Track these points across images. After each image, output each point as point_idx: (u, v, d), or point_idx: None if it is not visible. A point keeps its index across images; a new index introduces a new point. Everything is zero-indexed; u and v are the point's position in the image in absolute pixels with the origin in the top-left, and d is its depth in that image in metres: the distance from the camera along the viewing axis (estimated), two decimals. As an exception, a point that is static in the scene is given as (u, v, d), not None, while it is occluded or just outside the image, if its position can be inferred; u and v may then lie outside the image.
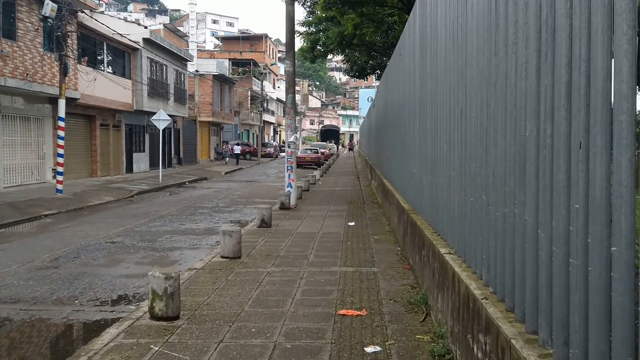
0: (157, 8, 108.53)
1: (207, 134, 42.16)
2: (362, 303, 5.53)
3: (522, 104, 2.74)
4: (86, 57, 22.63)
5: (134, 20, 33.82)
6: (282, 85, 65.72)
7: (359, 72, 26.96)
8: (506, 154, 2.98)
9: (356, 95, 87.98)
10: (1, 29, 16.90)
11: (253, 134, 58.00)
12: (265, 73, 58.06)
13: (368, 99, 41.34)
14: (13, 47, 17.19)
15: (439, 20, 5.12)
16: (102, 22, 22.01)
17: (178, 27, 54.43)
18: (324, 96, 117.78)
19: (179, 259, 8.58)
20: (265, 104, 56.14)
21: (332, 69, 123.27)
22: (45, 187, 18.29)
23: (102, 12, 28.45)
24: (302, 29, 22.82)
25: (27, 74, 17.76)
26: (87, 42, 22.64)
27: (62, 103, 17.24)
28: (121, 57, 26.24)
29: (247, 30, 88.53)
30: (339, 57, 29.33)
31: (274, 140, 67.34)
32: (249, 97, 53.46)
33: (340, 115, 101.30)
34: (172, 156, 33.53)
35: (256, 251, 8.26)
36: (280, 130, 73.00)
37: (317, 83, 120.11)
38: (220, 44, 69.58)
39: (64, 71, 17.47)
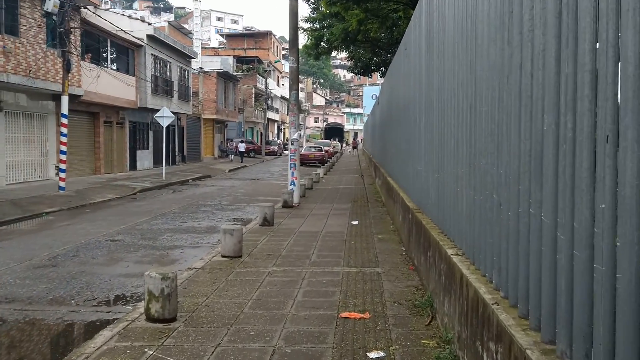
0: (162, 5, 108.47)
1: (211, 131, 42.03)
2: (366, 305, 5.34)
3: (539, 95, 2.54)
4: (89, 54, 22.50)
5: (138, 17, 33.62)
6: (286, 82, 65.48)
7: (363, 69, 26.71)
8: (520, 150, 2.79)
9: (360, 93, 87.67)
10: (4, 25, 16.77)
11: (257, 131, 57.86)
12: (270, 70, 57.84)
13: (372, 97, 41.09)
14: (16, 43, 17.07)
15: (447, 12, 4.92)
16: (105, 19, 21.87)
17: (183, 25, 54.21)
18: (328, 94, 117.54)
19: (179, 258, 8.41)
20: (269, 102, 55.98)
21: (336, 67, 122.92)
22: (48, 185, 18.18)
23: (107, 10, 28.29)
24: (306, 26, 22.59)
25: (30, 71, 17.64)
26: (90, 38, 22.53)
27: (64, 100, 17.12)
28: (125, 54, 26.11)
29: (251, 27, 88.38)
30: (343, 54, 29.09)
31: (278, 138, 67.18)
32: (253, 95, 53.30)
33: (344, 113, 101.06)
34: (176, 154, 33.40)
35: (257, 250, 8.09)
36: (284, 128, 72.82)
37: (322, 81, 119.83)
38: (225, 41, 69.43)
39: (67, 68, 17.36)
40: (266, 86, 52.67)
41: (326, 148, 41.13)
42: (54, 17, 17.27)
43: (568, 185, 2.20)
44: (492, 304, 3.02)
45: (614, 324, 1.83)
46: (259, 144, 50.73)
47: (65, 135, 17.11)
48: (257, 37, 67.20)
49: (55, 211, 13.44)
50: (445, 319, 4.47)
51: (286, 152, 36.83)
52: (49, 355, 4.87)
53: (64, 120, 17.03)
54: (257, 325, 4.71)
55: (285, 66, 62.89)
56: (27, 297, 6.23)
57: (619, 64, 1.79)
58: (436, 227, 5.49)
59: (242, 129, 50.73)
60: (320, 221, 11.22)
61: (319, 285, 6.10)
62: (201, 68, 39.31)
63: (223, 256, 7.48)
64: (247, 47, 61.42)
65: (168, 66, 30.90)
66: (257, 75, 53.67)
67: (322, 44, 22.11)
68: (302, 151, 35.54)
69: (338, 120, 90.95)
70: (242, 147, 38.73)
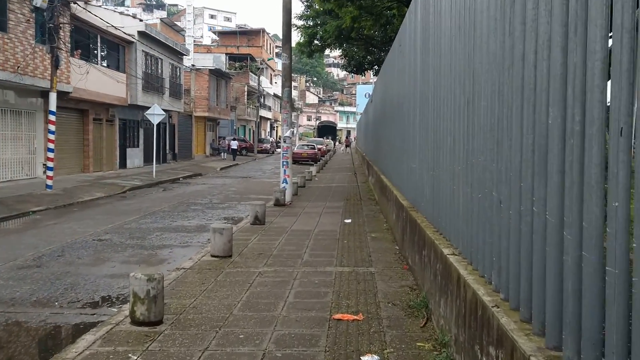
0: (154, 3, 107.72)
1: (202, 129, 41.73)
2: (359, 306, 5.20)
3: (543, 87, 2.40)
4: (79, 50, 22.19)
5: (130, 14, 33.31)
6: (279, 80, 65.22)
7: (356, 67, 26.57)
8: (523, 145, 2.65)
9: (353, 92, 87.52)
10: (-9, 20, 16.48)
11: (250, 129, 57.57)
12: (263, 68, 57.58)
13: (365, 95, 41.00)
14: (4, 39, 16.77)
15: (443, 5, 4.78)
16: (95, 15, 21.57)
17: (175, 22, 53.85)
18: (321, 92, 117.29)
19: (167, 258, 8.23)
20: (262, 100, 55.71)
21: (329, 65, 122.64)
22: (36, 183, 17.89)
23: (99, 6, 27.95)
24: (300, 23, 22.41)
25: (18, 67, 17.34)
26: (80, 34, 22.21)
27: (53, 96, 16.83)
28: (115, 50, 25.80)
29: (244, 25, 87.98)
30: (337, 53, 28.94)
31: (270, 136, 66.93)
32: (246, 93, 53.02)
33: (337, 111, 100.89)
34: (167, 151, 33.10)
35: (248, 250, 7.92)
36: (277, 126, 72.55)
37: (315, 79, 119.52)
38: (218, 38, 69.04)
39: (55, 64, 17.06)
40: (259, 84, 52.39)
41: (319, 146, 40.96)
42: (44, 13, 16.97)
43: (576, 182, 2.06)
44: (492, 307, 2.88)
45: (628, 330, 1.69)
46: (252, 141, 50.47)
47: (53, 132, 16.83)
48: (250, 34, 66.86)
49: (42, 210, 13.19)
50: (441, 320, 4.34)
51: (279, 150, 36.68)
52: None
53: (52, 118, 16.75)
54: (247, 328, 4.55)
55: (278, 64, 62.72)
56: (10, 298, 6.03)
57: (636, 50, 1.65)
58: (431, 225, 5.36)
59: (235, 127, 50.45)
60: (312, 220, 11.06)
61: (311, 286, 5.95)
62: (193, 65, 38.98)
63: (213, 256, 7.31)
64: (240, 44, 61.07)
65: (159, 63, 30.59)
66: (250, 73, 53.38)
67: (316, 41, 21.95)
68: (295, 149, 35.38)
69: (331, 119, 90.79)
70: (234, 144, 38.51)
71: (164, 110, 24.10)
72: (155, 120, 22.65)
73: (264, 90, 56.38)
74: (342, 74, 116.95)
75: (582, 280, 1.99)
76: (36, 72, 18.31)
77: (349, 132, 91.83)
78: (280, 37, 14.74)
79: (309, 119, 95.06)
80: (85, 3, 20.90)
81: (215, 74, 41.89)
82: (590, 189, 1.94)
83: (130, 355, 3.93)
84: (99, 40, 24.03)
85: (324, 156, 39.45)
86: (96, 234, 10.06)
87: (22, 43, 17.71)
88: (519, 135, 2.70)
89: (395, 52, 9.49)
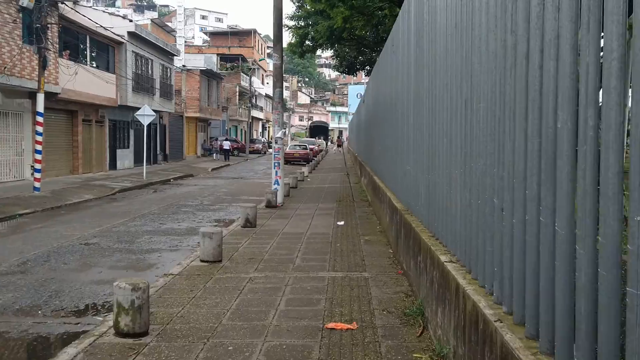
0: (145, 3, 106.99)
1: (194, 129, 41.42)
2: (353, 314, 5.03)
3: (550, 88, 2.24)
4: (68, 51, 21.86)
5: (120, 15, 32.93)
6: (270, 81, 65.07)
7: (348, 67, 26.44)
8: (527, 150, 2.49)
9: (345, 92, 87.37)
10: (-24, 20, 16.16)
11: (241, 130, 57.28)
12: (254, 69, 57.31)
13: (357, 96, 40.90)
14: (-12, 39, 16.46)
15: (438, 3, 4.63)
16: (84, 15, 21.26)
17: (166, 23, 53.42)
18: (313, 92, 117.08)
19: (156, 263, 8.02)
20: (253, 100, 55.43)
21: (321, 65, 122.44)
22: (23, 185, 17.57)
23: (89, 7, 27.56)
24: (291, 23, 22.24)
25: (5, 68, 17.02)
26: (69, 35, 21.88)
27: (40, 98, 16.53)
28: (105, 51, 25.47)
29: (236, 26, 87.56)
30: (329, 53, 28.78)
31: (262, 137, 66.65)
32: (237, 93, 52.72)
33: (329, 111, 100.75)
34: (158, 152, 32.78)
35: (239, 254, 7.73)
36: (268, 127, 72.25)
37: (306, 79, 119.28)
38: (209, 39, 68.65)
39: (43, 65, 16.75)
40: (250, 84, 52.11)
41: (311, 146, 40.78)
42: (31, 13, 16.66)
43: (589, 193, 1.90)
44: (495, 321, 2.72)
45: (652, 358, 1.53)
46: (243, 142, 50.19)
47: (40, 134, 16.53)
48: (242, 35, 66.53)
49: (29, 213, 12.91)
50: (438, 330, 4.18)
51: (270, 150, 36.49)
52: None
53: (40, 119, 16.45)
54: (236, 339, 4.36)
55: (270, 64, 62.41)
56: (-9, 307, 5.81)
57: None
58: (426, 230, 5.20)
59: (226, 128, 50.14)
60: (304, 222, 10.89)
61: (303, 293, 5.78)
62: (184, 66, 38.67)
63: (202, 261, 7.12)
64: (232, 45, 60.75)
65: (150, 64, 30.28)
66: (242, 74, 53.11)
67: (307, 42, 21.79)
68: (287, 149, 35.17)
69: (323, 119, 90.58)
70: (226, 145, 38.27)
71: (154, 111, 23.82)
72: (146, 121, 22.37)
73: (255, 90, 56.11)
74: (333, 74, 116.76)
75: (599, 301, 1.83)
76: (23, 73, 17.99)
77: (340, 132, 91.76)
78: (272, 37, 14.54)
79: (301, 119, 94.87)
80: (74, 3, 20.59)
81: (207, 74, 41.59)
82: (607, 199, 1.78)
83: (112, 370, 3.74)
84: (88, 40, 23.71)
85: (316, 156, 39.28)
86: (83, 237, 9.82)
87: (9, 43, 17.40)
88: (523, 139, 2.54)
89: (388, 52, 9.33)
